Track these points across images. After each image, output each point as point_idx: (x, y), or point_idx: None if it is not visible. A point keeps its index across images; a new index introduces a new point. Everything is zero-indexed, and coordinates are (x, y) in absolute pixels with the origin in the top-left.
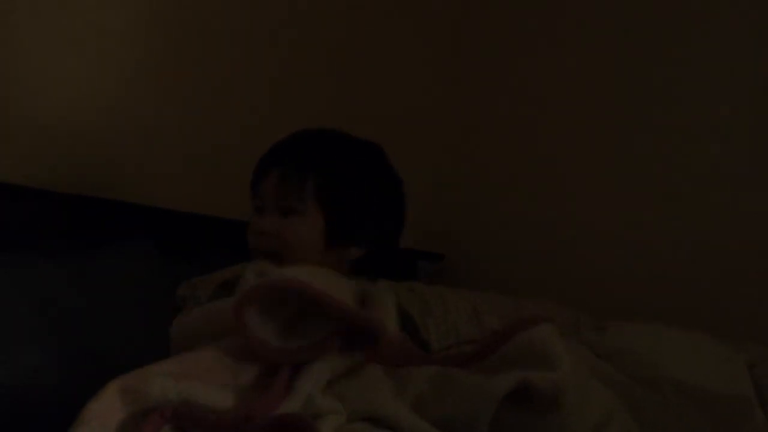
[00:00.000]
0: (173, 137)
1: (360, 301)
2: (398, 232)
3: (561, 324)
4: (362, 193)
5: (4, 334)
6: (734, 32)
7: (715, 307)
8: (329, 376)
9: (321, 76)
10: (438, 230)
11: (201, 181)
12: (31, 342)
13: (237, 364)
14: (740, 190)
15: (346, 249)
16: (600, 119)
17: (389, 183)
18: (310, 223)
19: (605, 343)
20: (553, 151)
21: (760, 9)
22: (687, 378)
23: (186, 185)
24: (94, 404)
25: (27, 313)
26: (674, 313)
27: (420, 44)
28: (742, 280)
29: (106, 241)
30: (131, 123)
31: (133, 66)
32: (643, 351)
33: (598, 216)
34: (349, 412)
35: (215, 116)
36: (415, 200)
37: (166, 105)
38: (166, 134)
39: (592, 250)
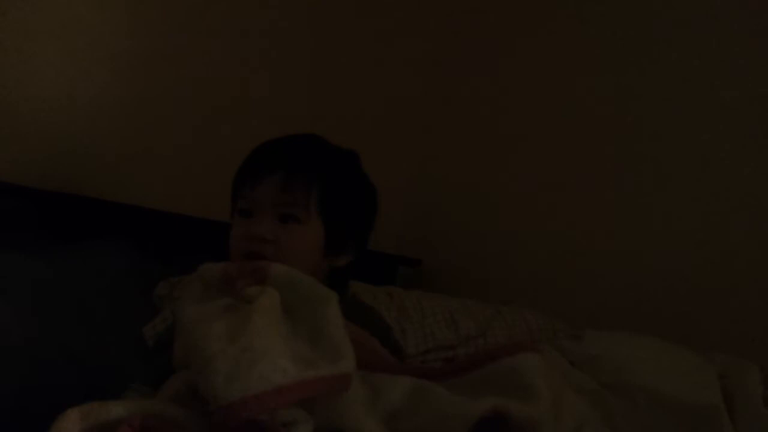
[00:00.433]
0: (156, 138)
1: None
2: (370, 238)
3: (538, 330)
4: (359, 202)
5: None
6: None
7: (688, 317)
8: None
9: (303, 82)
10: (416, 236)
11: (182, 182)
12: (4, 337)
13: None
14: (719, 198)
15: (337, 257)
16: (579, 125)
17: (372, 191)
18: (311, 232)
19: (580, 350)
20: (530, 157)
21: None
22: (659, 386)
23: (167, 186)
24: (55, 426)
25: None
26: (649, 322)
27: (398, 52)
28: (714, 294)
29: (84, 239)
30: (114, 123)
31: (118, 66)
32: (616, 359)
33: (575, 223)
34: (318, 421)
35: (199, 117)
36: (393, 206)
37: (150, 105)
38: (148, 134)
39: (570, 257)
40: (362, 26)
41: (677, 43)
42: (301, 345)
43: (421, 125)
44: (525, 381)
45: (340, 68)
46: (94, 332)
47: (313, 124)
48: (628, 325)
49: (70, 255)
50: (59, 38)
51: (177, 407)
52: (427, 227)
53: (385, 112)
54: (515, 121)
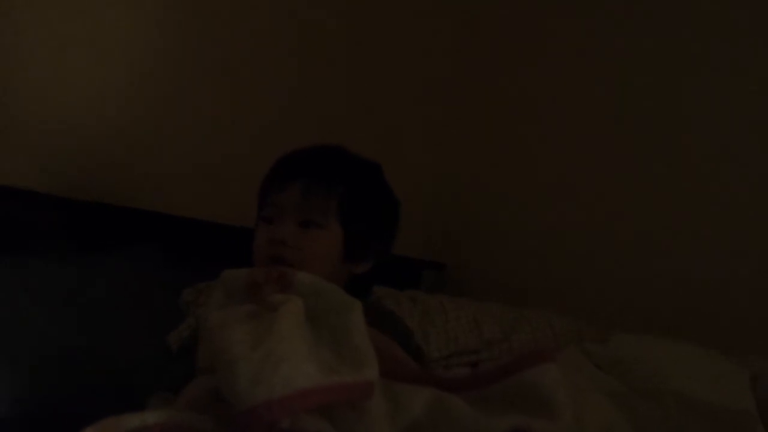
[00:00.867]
0: (181, 143)
1: None
2: (391, 248)
3: (562, 334)
4: (379, 211)
5: (10, 333)
6: (736, 33)
7: (718, 319)
8: None
9: (328, 85)
10: (440, 239)
11: (208, 188)
12: (33, 343)
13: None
14: (748, 197)
15: (356, 264)
16: (603, 126)
17: (394, 202)
18: (331, 238)
19: (607, 353)
20: (555, 159)
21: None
22: (689, 391)
23: (193, 192)
24: None
25: (33, 314)
26: (678, 325)
27: (422, 55)
28: (745, 293)
29: (112, 246)
30: (140, 129)
31: (142, 70)
32: (645, 363)
33: (600, 224)
34: None
35: (224, 123)
36: (418, 210)
37: (175, 111)
38: (174, 140)
39: (595, 259)
40: (391, 33)
41: (689, 43)
42: (325, 352)
43: (445, 128)
44: (546, 396)
45: (363, 70)
46: (121, 338)
47: (337, 125)
48: (655, 328)
49: (98, 262)
50: (90, 44)
51: (196, 414)
52: (451, 231)
53: (410, 117)
54: (539, 122)
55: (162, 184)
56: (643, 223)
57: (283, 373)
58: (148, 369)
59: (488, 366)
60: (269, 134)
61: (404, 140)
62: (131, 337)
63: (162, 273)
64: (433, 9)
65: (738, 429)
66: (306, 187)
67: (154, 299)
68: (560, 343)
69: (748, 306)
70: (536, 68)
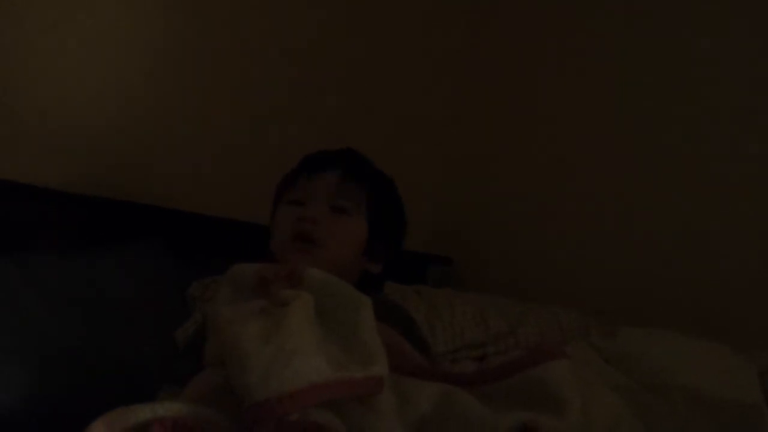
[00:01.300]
0: (186, 139)
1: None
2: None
3: (569, 328)
4: (400, 218)
5: (17, 330)
6: (739, 34)
7: (726, 313)
8: None
9: (333, 81)
10: (447, 234)
11: (213, 183)
12: (40, 340)
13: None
14: (749, 190)
15: (372, 263)
16: (608, 123)
17: (404, 214)
18: (357, 228)
19: (614, 348)
20: (561, 155)
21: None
22: (696, 385)
23: (198, 187)
24: None
25: (38, 310)
26: (684, 319)
27: (429, 52)
28: (753, 288)
29: (116, 242)
30: (144, 125)
31: (146, 67)
32: (652, 357)
33: (607, 220)
34: (348, 427)
35: (228, 119)
36: (424, 205)
37: (179, 107)
38: (179, 136)
39: (602, 254)
40: (398, 33)
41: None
42: (334, 348)
43: (451, 125)
44: (554, 392)
45: (374, 70)
46: (129, 333)
47: (347, 120)
48: (662, 323)
49: (104, 256)
50: (90, 44)
51: (205, 407)
52: (457, 226)
53: (417, 113)
54: (546, 118)
55: (166, 179)
56: (652, 220)
57: (295, 368)
58: (155, 365)
59: (496, 361)
60: (270, 131)
61: (411, 137)
62: (137, 333)
63: (166, 268)
64: (435, 9)
65: (746, 423)
66: (342, 177)
67: (159, 295)
68: (567, 337)
69: (753, 301)
70: (546, 66)
